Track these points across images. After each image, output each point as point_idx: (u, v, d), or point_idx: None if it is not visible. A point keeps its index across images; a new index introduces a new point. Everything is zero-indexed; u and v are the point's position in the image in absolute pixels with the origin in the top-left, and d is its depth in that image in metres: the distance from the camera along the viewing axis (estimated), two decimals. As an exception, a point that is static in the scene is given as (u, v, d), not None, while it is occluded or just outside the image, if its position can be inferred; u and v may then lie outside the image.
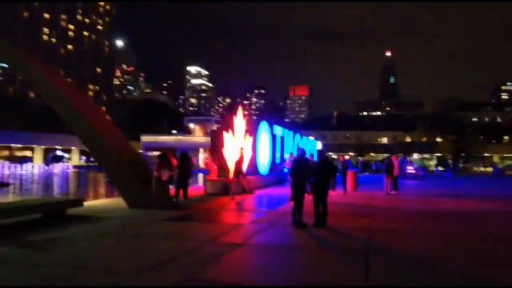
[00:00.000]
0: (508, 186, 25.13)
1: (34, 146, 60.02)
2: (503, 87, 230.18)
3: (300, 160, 8.49)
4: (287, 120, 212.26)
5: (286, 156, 22.46)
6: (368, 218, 9.78)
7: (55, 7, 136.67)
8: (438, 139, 71.65)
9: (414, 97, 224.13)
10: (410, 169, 29.75)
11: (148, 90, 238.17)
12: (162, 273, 4.86)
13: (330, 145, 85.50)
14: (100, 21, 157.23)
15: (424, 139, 77.12)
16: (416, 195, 16.80)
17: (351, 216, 10.14)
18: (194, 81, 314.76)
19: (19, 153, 65.23)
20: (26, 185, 27.58)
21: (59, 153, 61.25)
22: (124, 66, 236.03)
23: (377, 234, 7.64)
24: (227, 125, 16.30)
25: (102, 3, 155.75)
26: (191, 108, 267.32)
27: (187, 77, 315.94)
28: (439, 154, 67.81)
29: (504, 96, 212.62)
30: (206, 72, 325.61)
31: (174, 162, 12.72)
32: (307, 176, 8.34)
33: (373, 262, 5.47)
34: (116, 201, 11.49)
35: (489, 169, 59.55)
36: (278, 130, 23.71)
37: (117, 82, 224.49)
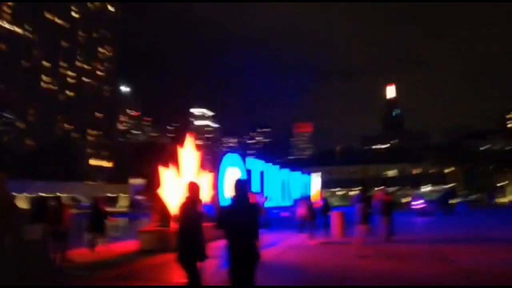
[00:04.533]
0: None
1: (14, 194, 56.70)
2: (508, 116, 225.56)
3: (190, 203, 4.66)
4: (291, 157, 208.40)
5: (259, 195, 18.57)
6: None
7: (54, 55, 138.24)
8: (447, 170, 67.22)
9: (419, 129, 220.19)
10: (417, 204, 25.53)
11: (154, 134, 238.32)
12: None
13: (335, 181, 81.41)
14: (100, 67, 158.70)
15: (432, 171, 72.62)
16: (424, 240, 12.62)
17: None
18: (198, 123, 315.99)
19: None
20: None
21: None
22: (129, 111, 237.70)
23: None
24: (170, 159, 12.57)
25: (101, 50, 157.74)
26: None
27: (191, 119, 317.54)
28: (449, 186, 63.07)
29: (510, 124, 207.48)
30: (210, 113, 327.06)
31: (68, 212, 9.06)
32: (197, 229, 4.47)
33: None
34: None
35: (505, 199, 54.41)
36: (254, 163, 19.94)
37: (121, 127, 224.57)
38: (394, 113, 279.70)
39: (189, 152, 13.37)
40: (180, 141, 13.34)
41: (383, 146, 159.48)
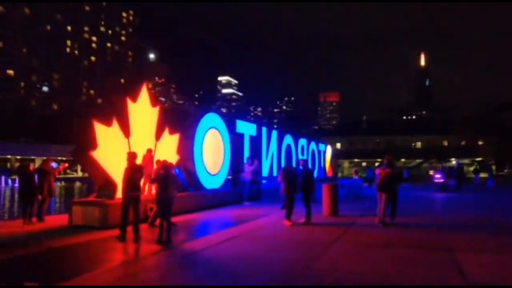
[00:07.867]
0: None
1: (33, 157, 56.55)
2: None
3: None
4: (315, 127, 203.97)
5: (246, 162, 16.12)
6: None
7: (77, 20, 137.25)
8: (479, 143, 62.52)
9: (449, 100, 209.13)
10: (438, 178, 22.48)
11: (180, 102, 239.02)
12: None
13: (359, 151, 77.81)
14: (124, 32, 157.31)
15: (463, 143, 67.85)
16: (430, 226, 9.82)
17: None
18: (225, 91, 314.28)
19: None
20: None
21: None
22: (156, 78, 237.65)
23: None
24: (115, 114, 10.17)
25: (125, 14, 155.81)
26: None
27: (218, 87, 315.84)
28: (480, 159, 58.71)
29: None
30: (236, 82, 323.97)
31: None
32: None
33: None
34: None
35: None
36: (246, 127, 17.40)
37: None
38: (426, 84, 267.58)
39: (143, 107, 10.96)
40: (132, 94, 10.84)
41: (411, 117, 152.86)
